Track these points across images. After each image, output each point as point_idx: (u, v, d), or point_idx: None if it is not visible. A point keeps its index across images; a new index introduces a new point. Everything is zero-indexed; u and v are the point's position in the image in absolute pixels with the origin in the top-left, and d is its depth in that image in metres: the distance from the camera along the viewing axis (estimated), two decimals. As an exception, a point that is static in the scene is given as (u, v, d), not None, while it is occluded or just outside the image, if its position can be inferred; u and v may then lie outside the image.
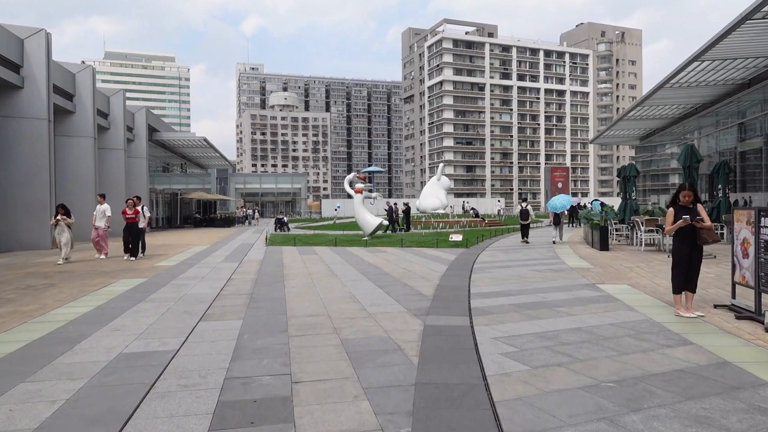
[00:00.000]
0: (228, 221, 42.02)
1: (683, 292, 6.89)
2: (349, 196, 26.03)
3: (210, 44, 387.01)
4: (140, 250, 16.09)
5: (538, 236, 23.56)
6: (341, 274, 11.59)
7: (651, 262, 12.93)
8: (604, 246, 16.04)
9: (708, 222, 6.77)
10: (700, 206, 6.86)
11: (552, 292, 8.74)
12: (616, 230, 18.86)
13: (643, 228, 15.88)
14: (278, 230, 31.71)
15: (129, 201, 16.15)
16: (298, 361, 5.03)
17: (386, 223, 23.46)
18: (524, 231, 20.30)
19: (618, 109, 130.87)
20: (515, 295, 8.52)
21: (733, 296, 7.15)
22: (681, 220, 6.64)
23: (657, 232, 16.13)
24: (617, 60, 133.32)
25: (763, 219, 6.36)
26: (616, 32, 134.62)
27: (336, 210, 48.26)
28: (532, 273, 11.26)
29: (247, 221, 44.49)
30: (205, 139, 38.94)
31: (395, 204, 31.47)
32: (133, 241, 15.55)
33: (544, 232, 25.95)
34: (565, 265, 12.63)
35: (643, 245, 15.79)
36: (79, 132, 24.60)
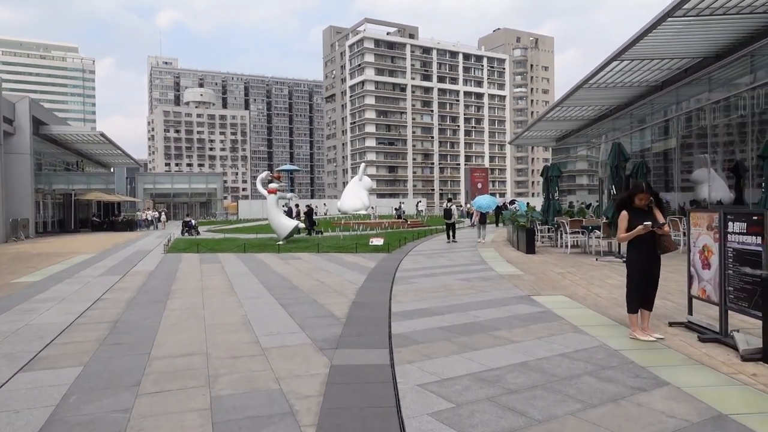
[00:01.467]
0: (130, 225, 38.31)
1: (639, 311, 5.83)
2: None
3: (121, 37, 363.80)
4: None
5: (462, 236, 22.76)
6: (241, 289, 9.83)
7: (581, 266, 12.18)
8: (530, 249, 15.29)
9: (667, 227, 5.76)
10: (656, 210, 5.83)
11: (485, 309, 7.52)
12: (540, 232, 18.33)
13: (568, 230, 15.28)
14: (185, 234, 29.01)
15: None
16: (134, 446, 3.35)
17: (302, 225, 21.73)
18: (449, 230, 19.99)
19: (532, 112, 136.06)
20: (443, 314, 7.21)
21: (690, 312, 6.22)
22: (641, 227, 5.57)
23: (582, 234, 15.60)
24: (531, 65, 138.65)
25: (730, 224, 5.40)
26: (531, 39, 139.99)
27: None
28: (460, 283, 10.06)
29: (153, 225, 40.76)
30: (103, 134, 35.21)
31: (296, 205, 29.85)
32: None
33: (466, 232, 25.23)
34: (494, 271, 11.58)
35: (569, 248, 15.18)
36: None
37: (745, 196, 17.92)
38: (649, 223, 5.56)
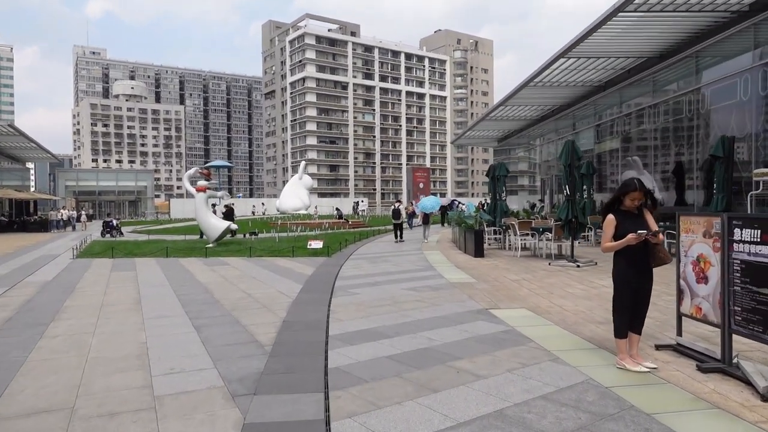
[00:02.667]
0: (44, 225, 34.82)
1: (628, 335, 4.84)
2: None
3: (46, 26, 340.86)
4: None
5: (406, 236, 21.77)
6: (150, 305, 8.26)
7: (535, 271, 11.35)
8: (479, 252, 14.40)
9: (661, 235, 4.80)
10: (648, 214, 4.87)
11: (440, 328, 6.38)
12: (487, 234, 17.56)
13: (518, 232, 14.50)
14: (106, 236, 26.48)
15: None
16: None
17: (235, 227, 20.01)
18: (397, 230, 20.71)
19: (472, 114, 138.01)
20: (392, 336, 6.01)
21: (679, 333, 5.31)
22: (632, 236, 4.56)
23: (532, 236, 14.88)
24: (471, 67, 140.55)
25: (737, 231, 4.49)
26: (471, 41, 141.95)
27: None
28: (408, 293, 8.92)
29: (70, 225, 37.29)
30: (12, 126, 31.80)
31: (214, 205, 28.06)
32: None
33: (410, 232, 24.24)
34: (444, 279, 10.52)
35: (519, 250, 14.40)
36: None
37: (686, 197, 17.89)
38: (644, 231, 4.57)
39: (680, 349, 5.18)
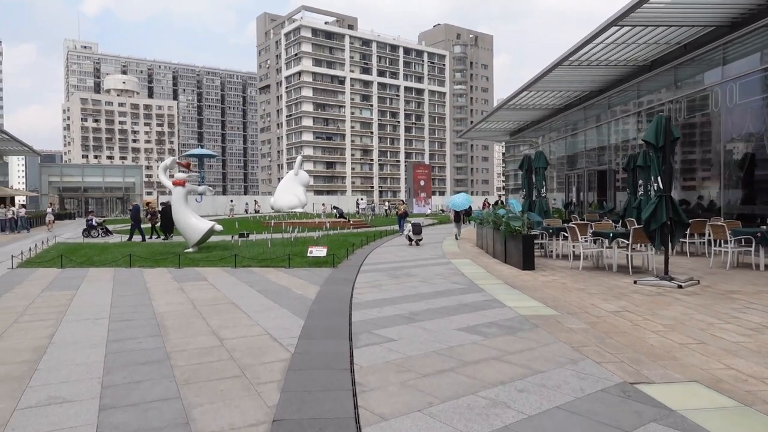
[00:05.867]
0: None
1: None
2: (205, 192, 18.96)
3: (43, 24, 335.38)
4: None
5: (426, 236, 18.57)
6: (52, 365, 4.99)
7: (626, 294, 8.14)
8: (528, 263, 11.18)
9: None
10: None
11: (586, 446, 3.16)
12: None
13: (581, 238, 11.27)
14: (86, 236, 22.97)
15: None
16: None
17: (219, 228, 16.73)
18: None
19: (472, 110, 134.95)
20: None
21: None
22: None
23: (594, 242, 11.67)
24: (471, 63, 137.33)
25: None
26: (471, 36, 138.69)
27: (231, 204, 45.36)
28: (470, 339, 5.69)
29: (22, 226, 30.11)
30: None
31: (148, 204, 25.18)
32: None
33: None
34: (509, 308, 7.29)
35: (582, 261, 11.18)
36: None
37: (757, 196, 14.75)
38: None
39: None
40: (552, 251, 13.74)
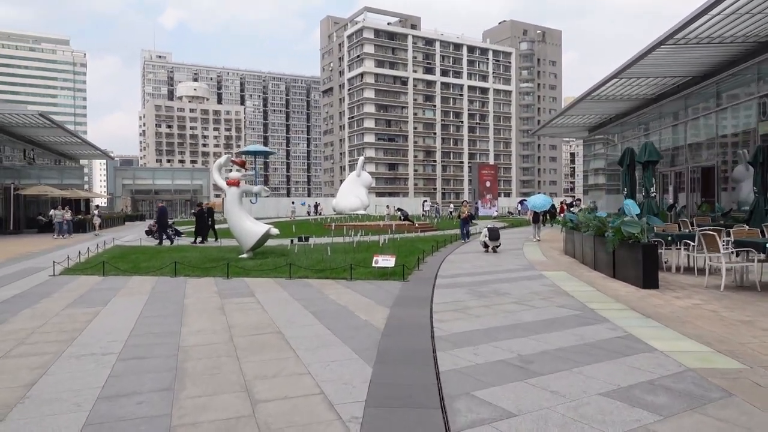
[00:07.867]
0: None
1: None
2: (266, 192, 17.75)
3: (125, 36, 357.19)
4: None
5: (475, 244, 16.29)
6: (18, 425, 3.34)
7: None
8: (650, 281, 8.78)
9: None
10: None
11: None
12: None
13: (724, 247, 8.72)
14: (160, 242, 21.28)
15: None
16: None
17: (276, 231, 15.22)
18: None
19: (539, 109, 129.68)
20: None
21: None
22: None
23: (737, 255, 9.07)
24: (539, 60, 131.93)
25: None
26: (538, 31, 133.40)
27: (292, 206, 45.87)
28: (629, 415, 3.57)
29: (65, 230, 27.16)
30: (43, 115, 28.55)
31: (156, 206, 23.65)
32: None
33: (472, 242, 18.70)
34: (663, 355, 5.06)
35: (723, 279, 8.64)
36: None
37: None
38: None
39: None
40: (669, 263, 11.19)
